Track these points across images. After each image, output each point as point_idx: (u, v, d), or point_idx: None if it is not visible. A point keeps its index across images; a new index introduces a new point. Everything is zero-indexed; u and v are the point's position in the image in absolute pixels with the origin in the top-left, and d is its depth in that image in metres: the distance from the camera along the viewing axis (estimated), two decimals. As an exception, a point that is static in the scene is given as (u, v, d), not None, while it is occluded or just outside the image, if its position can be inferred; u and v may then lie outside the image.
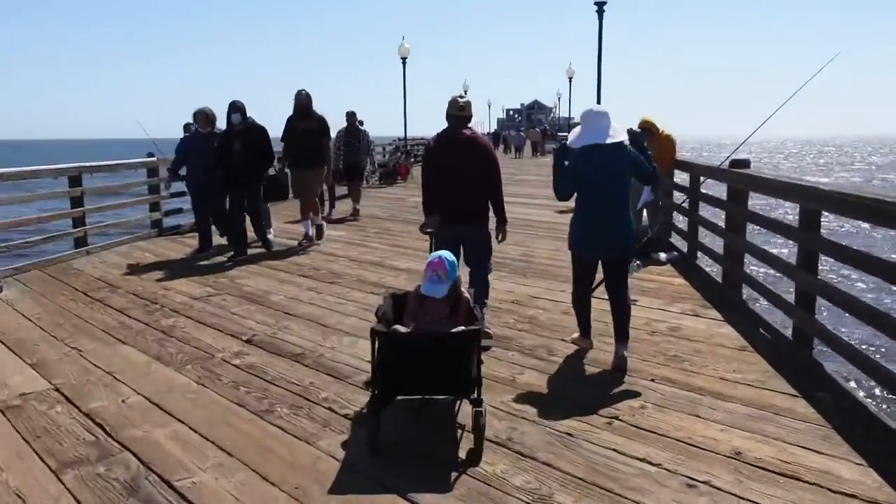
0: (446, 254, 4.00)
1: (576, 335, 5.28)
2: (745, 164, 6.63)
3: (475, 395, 3.56)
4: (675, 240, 10.21)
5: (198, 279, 7.86)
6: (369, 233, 11.45)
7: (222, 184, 8.95)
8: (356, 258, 9.12)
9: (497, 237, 5.45)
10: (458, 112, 5.18)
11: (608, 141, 4.66)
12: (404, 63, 29.19)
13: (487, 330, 5.24)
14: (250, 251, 9.24)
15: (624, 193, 4.79)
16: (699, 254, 8.37)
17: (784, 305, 5.33)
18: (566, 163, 4.85)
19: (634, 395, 4.37)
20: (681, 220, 9.69)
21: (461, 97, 5.25)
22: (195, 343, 5.52)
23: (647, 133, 9.09)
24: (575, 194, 4.86)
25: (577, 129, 4.89)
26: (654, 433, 3.82)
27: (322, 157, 9.89)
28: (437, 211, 5.12)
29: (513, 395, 4.38)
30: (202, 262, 8.92)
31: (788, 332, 5.27)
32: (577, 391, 4.47)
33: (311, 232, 10.10)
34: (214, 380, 4.72)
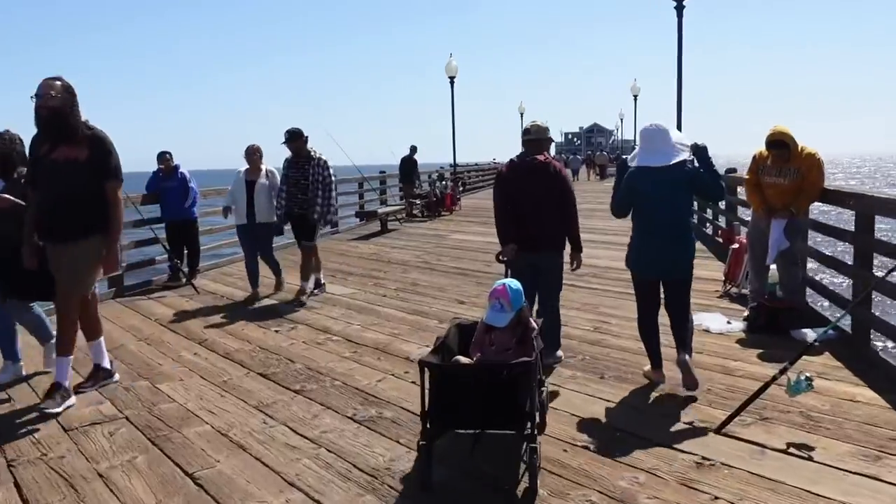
0: (511, 281, 3.85)
1: (647, 367, 4.92)
2: None
3: (529, 430, 3.31)
4: (812, 299, 7.25)
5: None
6: (388, 289, 8.70)
7: None
8: (356, 336, 6.38)
9: (571, 265, 5.29)
10: (525, 136, 5.21)
11: (663, 163, 4.49)
12: (452, 82, 26.62)
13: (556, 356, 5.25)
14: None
15: (680, 211, 4.66)
16: (872, 332, 5.37)
17: None
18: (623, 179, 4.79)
19: None
20: (822, 276, 6.70)
21: (532, 122, 5.29)
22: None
23: (779, 150, 6.19)
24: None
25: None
26: None
27: (99, 218, 4.68)
28: (512, 239, 5.06)
29: None
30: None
31: None
32: None
33: (67, 381, 4.73)
34: None
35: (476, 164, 37.88)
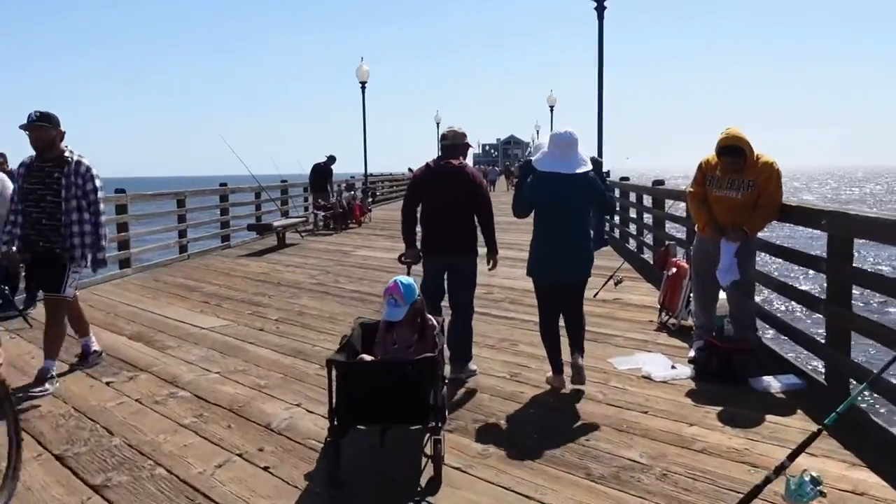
0: (401, 277, 3.92)
1: (549, 374, 4.90)
2: None
3: (433, 423, 3.43)
4: (770, 340, 6.27)
5: None
6: (267, 320, 7.26)
7: None
8: (208, 391, 4.95)
9: (487, 264, 5.27)
10: (442, 141, 5.30)
11: (572, 171, 4.57)
12: (363, 88, 25.21)
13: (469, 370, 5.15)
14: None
15: (582, 220, 4.73)
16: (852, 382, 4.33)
17: None
18: (528, 181, 4.81)
19: None
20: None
21: (450, 127, 5.29)
22: None
23: (733, 157, 5.10)
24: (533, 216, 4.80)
25: (543, 149, 4.74)
26: None
27: None
28: (414, 242, 5.16)
29: None
30: None
31: None
32: None
33: None
34: None
35: (390, 174, 36.57)
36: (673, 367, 5.16)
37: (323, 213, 17.42)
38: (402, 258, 5.15)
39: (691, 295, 6.06)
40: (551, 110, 41.00)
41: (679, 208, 9.17)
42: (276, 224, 13.76)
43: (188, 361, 5.71)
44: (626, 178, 13.25)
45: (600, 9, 13.24)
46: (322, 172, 17.24)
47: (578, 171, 4.58)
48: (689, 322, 6.34)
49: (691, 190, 5.45)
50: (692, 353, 5.37)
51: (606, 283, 8.08)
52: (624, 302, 7.79)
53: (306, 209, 18.88)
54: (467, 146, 5.30)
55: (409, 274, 4.71)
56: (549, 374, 4.89)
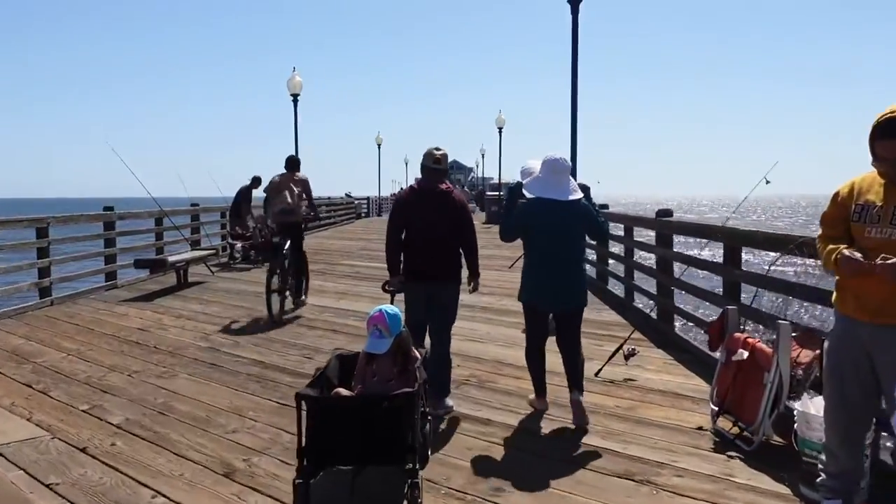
0: (387, 307, 3.79)
1: (532, 396, 4.82)
2: None
3: (410, 465, 3.21)
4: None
5: None
6: (107, 422, 4.61)
7: None
8: None
9: (469, 287, 5.07)
10: (434, 164, 4.95)
11: (566, 198, 4.46)
12: (295, 101, 22.59)
13: (446, 406, 4.78)
14: None
15: (577, 247, 4.65)
16: None
17: None
18: (518, 204, 4.73)
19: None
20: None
21: (437, 149, 5.00)
22: None
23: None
24: (520, 241, 4.72)
25: (534, 171, 4.56)
26: None
27: None
28: (399, 269, 4.92)
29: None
30: None
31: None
32: None
33: None
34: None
35: (328, 198, 33.79)
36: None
37: (241, 244, 14.68)
38: (386, 286, 4.94)
39: (787, 401, 3.71)
40: (500, 132, 38.84)
41: (718, 249, 6.90)
42: (171, 259, 10.95)
43: None
44: (605, 206, 10.94)
45: (574, 1, 11.00)
46: (239, 196, 14.63)
47: (571, 198, 4.47)
48: (777, 439, 3.99)
49: (821, 233, 3.09)
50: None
51: (613, 356, 5.72)
52: (642, 387, 5.43)
53: (223, 237, 16.13)
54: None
55: (392, 303, 4.54)
56: (532, 396, 4.79)
